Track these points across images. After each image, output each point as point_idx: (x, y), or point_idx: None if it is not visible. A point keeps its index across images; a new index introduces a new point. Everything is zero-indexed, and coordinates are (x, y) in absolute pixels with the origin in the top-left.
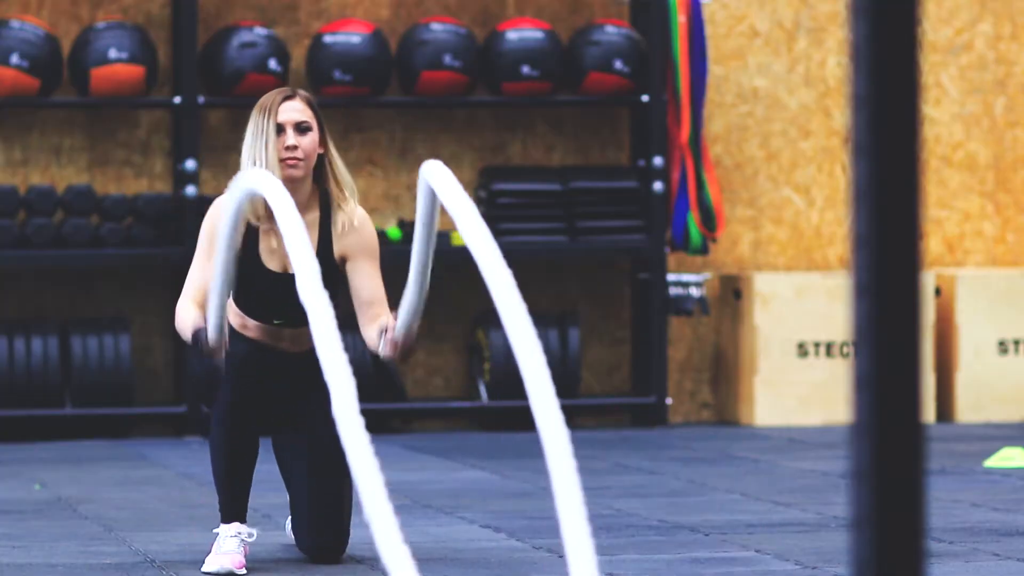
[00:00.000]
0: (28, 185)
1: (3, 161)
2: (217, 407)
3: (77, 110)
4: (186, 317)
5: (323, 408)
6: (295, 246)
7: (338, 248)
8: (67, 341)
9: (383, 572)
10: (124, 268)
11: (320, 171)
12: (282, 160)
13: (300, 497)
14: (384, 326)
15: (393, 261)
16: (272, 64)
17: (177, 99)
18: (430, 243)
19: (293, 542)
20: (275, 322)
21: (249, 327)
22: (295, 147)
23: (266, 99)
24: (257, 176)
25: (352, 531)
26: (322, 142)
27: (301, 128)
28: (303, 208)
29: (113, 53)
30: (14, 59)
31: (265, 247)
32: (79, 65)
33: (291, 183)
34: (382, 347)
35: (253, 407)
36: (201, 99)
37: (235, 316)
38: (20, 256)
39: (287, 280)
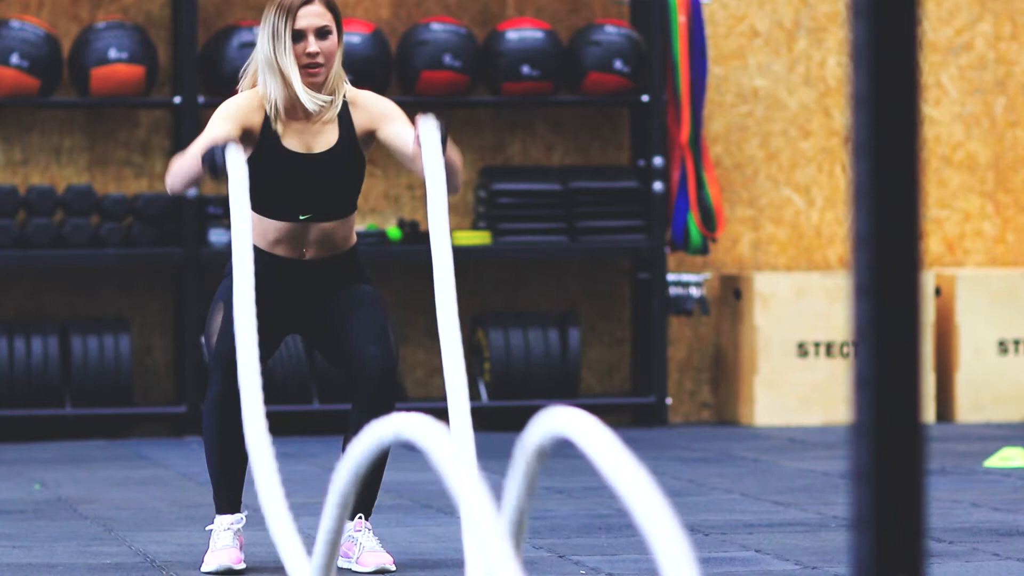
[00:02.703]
0: (28, 185)
1: (3, 161)
2: (208, 397)
3: (77, 110)
4: (189, 154)
5: (353, 285)
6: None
7: (359, 129)
8: (67, 341)
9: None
10: (124, 268)
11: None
12: (303, 67)
13: (344, 337)
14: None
15: (393, 260)
16: None
17: (177, 99)
18: None
19: None
20: (301, 217)
21: (272, 234)
22: (316, 53)
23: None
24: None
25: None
26: (339, 41)
27: (322, 33)
28: (321, 109)
29: (113, 53)
30: (14, 59)
31: (285, 128)
32: (79, 65)
33: (313, 88)
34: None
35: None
36: (201, 99)
37: (257, 234)
38: (20, 256)
39: (311, 160)
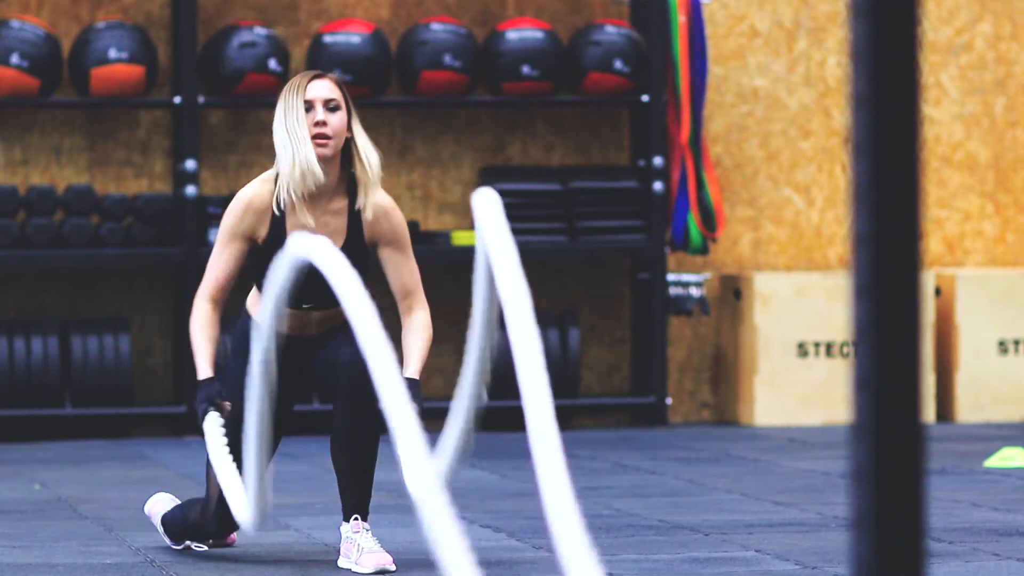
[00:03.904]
0: (28, 185)
1: (3, 161)
2: (204, 509)
3: (77, 110)
4: (196, 340)
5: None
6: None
7: (368, 234)
8: (67, 341)
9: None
10: (124, 268)
11: (347, 155)
12: (311, 137)
13: (328, 355)
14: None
15: None
16: (272, 64)
17: (177, 99)
18: (488, 335)
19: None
20: (304, 306)
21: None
22: (324, 123)
23: (294, 80)
24: (305, 243)
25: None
26: (349, 125)
27: (330, 106)
28: (331, 192)
29: (113, 53)
30: (14, 59)
31: (293, 228)
32: (79, 65)
33: (320, 163)
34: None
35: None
36: (201, 99)
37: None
38: (20, 256)
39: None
